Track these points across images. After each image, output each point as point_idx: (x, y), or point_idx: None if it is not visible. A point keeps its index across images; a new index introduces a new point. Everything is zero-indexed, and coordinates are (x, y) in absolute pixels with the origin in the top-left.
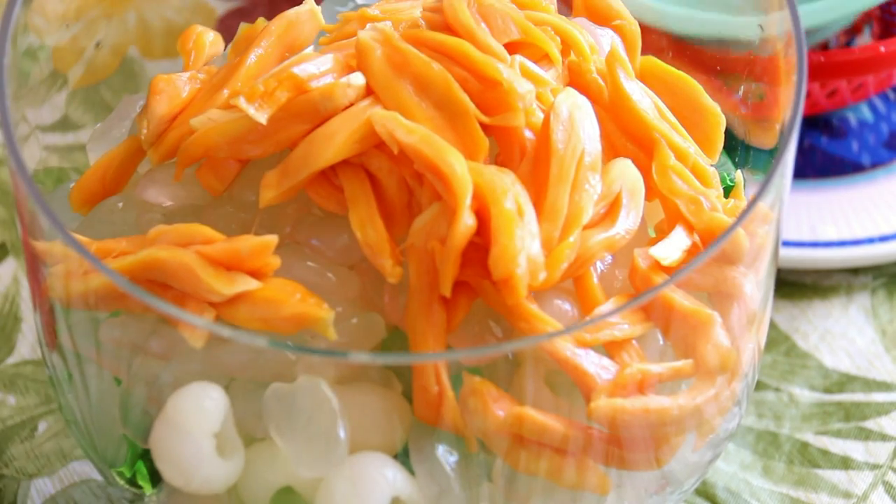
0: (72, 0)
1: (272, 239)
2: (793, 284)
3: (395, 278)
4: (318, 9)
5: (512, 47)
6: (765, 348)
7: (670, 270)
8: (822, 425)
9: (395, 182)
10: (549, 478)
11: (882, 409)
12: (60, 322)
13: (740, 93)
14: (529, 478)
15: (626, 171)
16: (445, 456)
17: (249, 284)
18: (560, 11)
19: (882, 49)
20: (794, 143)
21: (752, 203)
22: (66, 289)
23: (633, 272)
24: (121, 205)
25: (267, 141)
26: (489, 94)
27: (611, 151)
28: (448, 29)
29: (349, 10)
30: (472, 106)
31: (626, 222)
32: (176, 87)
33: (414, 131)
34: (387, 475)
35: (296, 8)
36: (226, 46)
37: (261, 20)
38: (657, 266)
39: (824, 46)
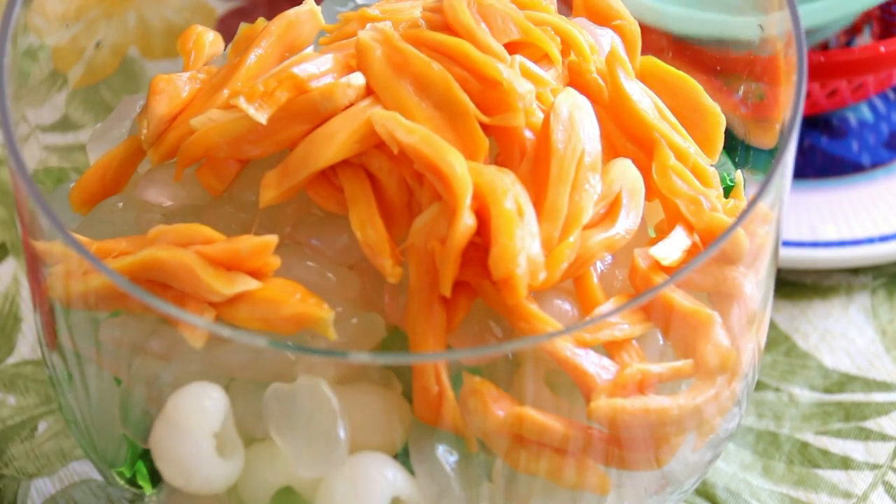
0: (72, 0)
1: (272, 239)
2: (793, 284)
3: (395, 278)
4: (318, 9)
5: (512, 47)
6: (765, 348)
7: (670, 270)
8: (822, 425)
9: (395, 182)
10: (549, 478)
11: (882, 409)
12: (60, 322)
13: (740, 93)
14: (529, 478)
15: (627, 171)
16: (445, 456)
17: (249, 284)
18: (560, 11)
19: (882, 49)
20: (794, 143)
21: (752, 203)
22: (66, 289)
23: (633, 272)
24: (121, 205)
25: (267, 141)
26: (489, 94)
27: (611, 151)
28: (448, 29)
29: (349, 10)
30: (472, 106)
31: (626, 222)
32: (176, 87)
33: (414, 131)
34: (387, 475)
35: (296, 8)
36: (226, 46)
37: (261, 20)
38: (657, 266)
39: (824, 46)
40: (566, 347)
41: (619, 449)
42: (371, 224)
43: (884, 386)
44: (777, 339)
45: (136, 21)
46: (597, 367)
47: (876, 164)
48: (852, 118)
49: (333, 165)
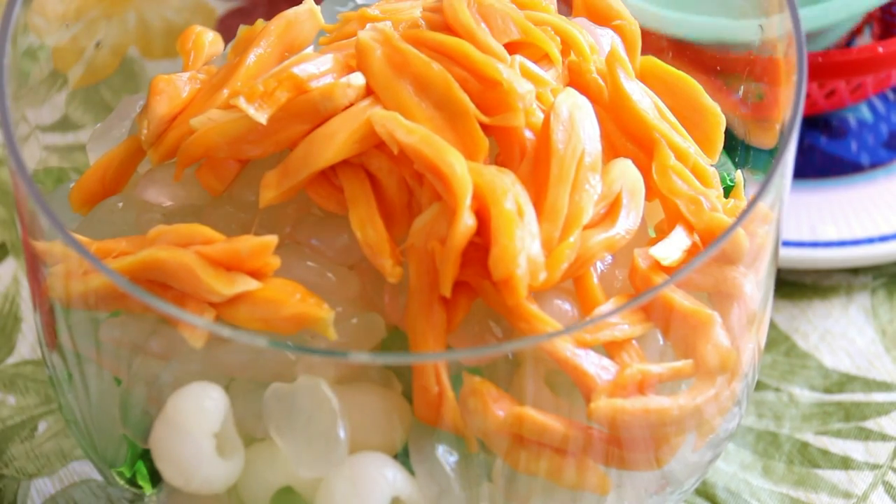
0: (72, 0)
1: (272, 239)
2: (793, 284)
3: (395, 278)
4: (318, 8)
5: (512, 47)
6: (765, 348)
7: (670, 270)
8: (822, 425)
9: (395, 182)
10: (549, 478)
11: (882, 409)
12: (60, 322)
13: (740, 93)
14: (529, 478)
15: (627, 172)
16: (445, 456)
17: (249, 285)
18: (560, 11)
19: (880, 49)
20: (794, 143)
21: (752, 203)
22: (66, 289)
23: (633, 272)
24: (121, 205)
25: (267, 141)
26: (489, 94)
27: (611, 151)
28: (448, 29)
29: (349, 10)
30: (472, 106)
31: (627, 222)
32: (176, 87)
33: (414, 131)
34: (387, 475)
35: (295, 8)
36: (225, 46)
37: (259, 22)
38: (657, 266)
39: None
40: (566, 348)
41: (619, 449)
42: (371, 224)
43: (884, 386)
44: (777, 339)
45: (136, 21)
46: (597, 367)
47: (876, 164)
48: (852, 118)
49: (333, 165)
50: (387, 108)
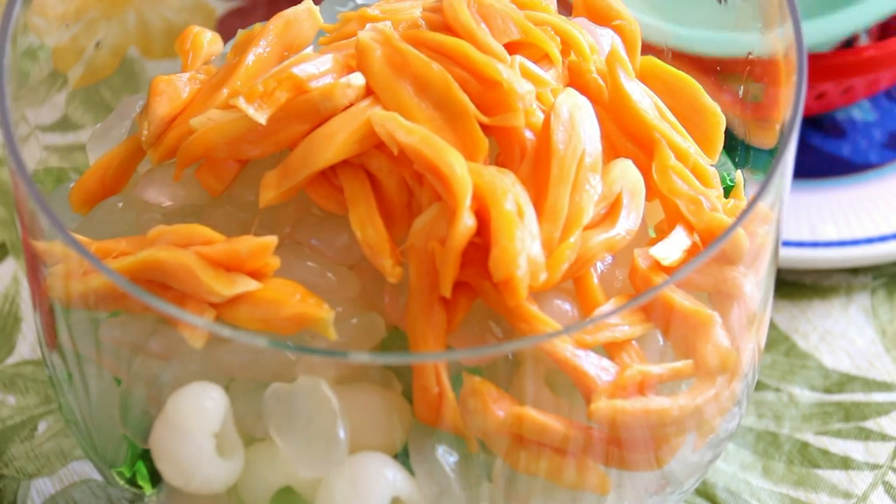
0: (72, 0)
1: (272, 240)
2: (793, 284)
3: (395, 278)
4: (316, 8)
5: (512, 47)
6: (765, 348)
7: (670, 270)
8: (822, 425)
9: (395, 182)
10: (549, 478)
11: (882, 409)
12: (60, 322)
13: (740, 93)
14: (529, 478)
15: (627, 172)
16: (445, 456)
17: (249, 285)
18: (560, 12)
19: (867, 54)
20: (794, 143)
21: (752, 203)
22: (66, 289)
23: (633, 272)
24: (121, 205)
25: (267, 141)
26: (489, 94)
27: (611, 152)
28: (448, 29)
29: (349, 10)
30: (471, 106)
31: (627, 223)
32: (176, 87)
33: (414, 132)
34: (387, 475)
35: (293, 7)
36: (224, 46)
37: (257, 25)
38: (657, 266)
39: None
40: (566, 348)
41: (620, 449)
42: (371, 224)
43: (884, 386)
44: (777, 339)
45: (136, 21)
46: (597, 368)
47: (876, 164)
48: (852, 118)
49: (333, 165)
50: (387, 108)
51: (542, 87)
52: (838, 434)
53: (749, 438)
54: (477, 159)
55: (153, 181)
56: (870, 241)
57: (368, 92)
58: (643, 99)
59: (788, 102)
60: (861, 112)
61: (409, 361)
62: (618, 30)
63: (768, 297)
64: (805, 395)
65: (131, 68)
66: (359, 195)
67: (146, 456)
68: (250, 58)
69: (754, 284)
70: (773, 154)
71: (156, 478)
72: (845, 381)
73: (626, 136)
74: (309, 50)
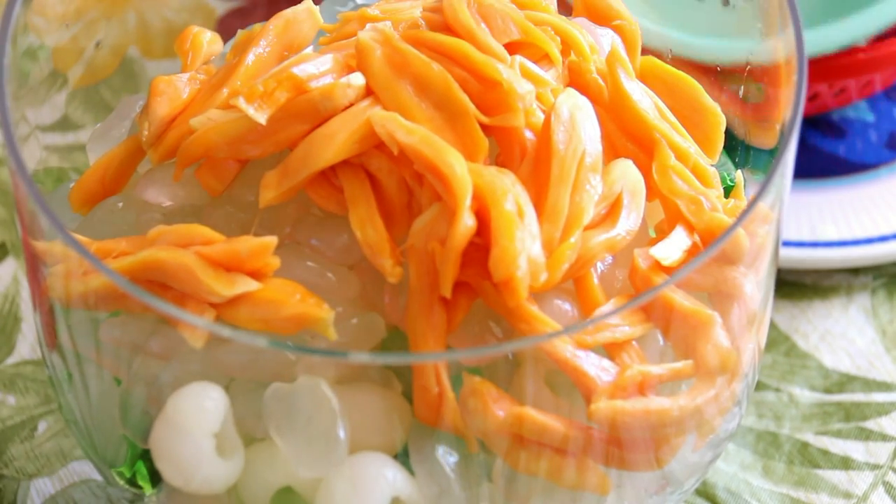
0: (72, 0)
1: (272, 240)
2: (793, 284)
3: (395, 278)
4: (316, 8)
5: (512, 47)
6: (765, 348)
7: (670, 270)
8: (822, 425)
9: (395, 182)
10: (549, 478)
11: (882, 409)
12: (60, 322)
13: (740, 93)
14: (529, 478)
15: (627, 172)
16: (445, 456)
17: (249, 285)
18: (560, 12)
19: (860, 56)
20: (794, 143)
21: (752, 203)
22: (66, 289)
23: (634, 272)
24: (121, 205)
25: (267, 141)
26: (489, 94)
27: (611, 152)
28: (448, 29)
29: (349, 10)
30: (471, 106)
31: (627, 223)
32: (176, 88)
33: (414, 132)
34: (387, 475)
35: (293, 7)
36: (224, 46)
37: (257, 25)
38: (657, 266)
39: None
40: (566, 349)
41: (620, 449)
42: (371, 224)
43: (884, 386)
44: (777, 339)
45: (136, 21)
46: (597, 368)
47: (876, 164)
48: (852, 118)
49: (333, 165)
50: (387, 108)
51: (542, 87)
52: (838, 434)
53: (749, 438)
54: (477, 159)
55: (153, 181)
56: (870, 241)
57: (368, 92)
58: (643, 99)
59: (788, 103)
60: (861, 112)
61: (409, 361)
62: (618, 30)
63: (768, 297)
64: (805, 396)
65: (131, 68)
66: (359, 195)
67: (146, 456)
68: (250, 58)
69: (754, 284)
70: (774, 154)
71: (156, 478)
72: (845, 382)
73: (626, 136)
74: (309, 50)
